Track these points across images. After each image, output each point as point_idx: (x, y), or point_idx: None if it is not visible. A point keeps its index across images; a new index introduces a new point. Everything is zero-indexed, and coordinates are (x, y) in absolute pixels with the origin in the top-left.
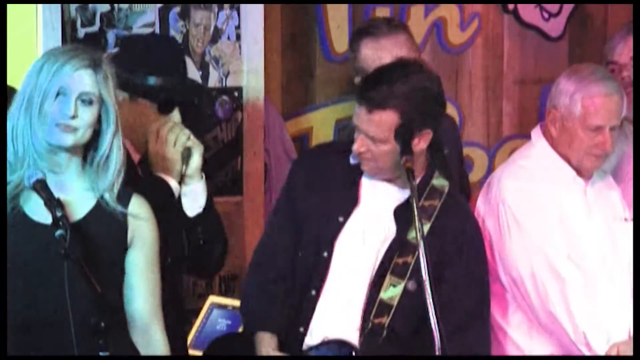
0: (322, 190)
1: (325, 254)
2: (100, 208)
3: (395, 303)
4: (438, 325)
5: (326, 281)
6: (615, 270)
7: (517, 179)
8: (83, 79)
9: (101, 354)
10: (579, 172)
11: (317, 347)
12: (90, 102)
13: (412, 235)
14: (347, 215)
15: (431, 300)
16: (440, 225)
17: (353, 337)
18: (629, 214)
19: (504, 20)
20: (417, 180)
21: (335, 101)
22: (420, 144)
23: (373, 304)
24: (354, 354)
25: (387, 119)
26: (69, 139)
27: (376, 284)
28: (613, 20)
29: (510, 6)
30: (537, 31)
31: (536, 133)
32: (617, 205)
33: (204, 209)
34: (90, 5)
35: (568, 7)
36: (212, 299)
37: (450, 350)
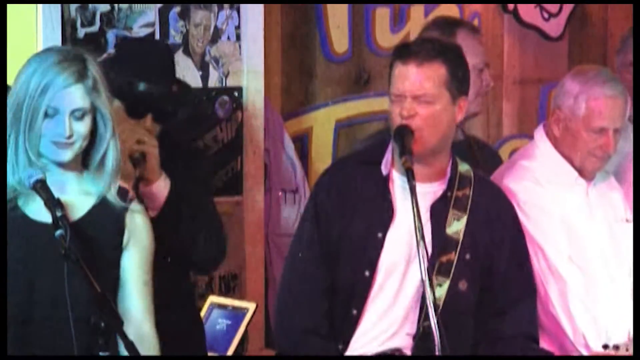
0: (356, 206)
1: (367, 273)
2: (98, 208)
3: (441, 303)
4: (438, 325)
5: (369, 299)
6: (617, 271)
7: (520, 179)
8: (73, 96)
9: (101, 354)
10: (581, 172)
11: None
12: (83, 115)
13: (451, 229)
14: (385, 231)
15: (431, 299)
16: (479, 215)
17: (406, 345)
18: (630, 214)
19: (504, 20)
20: (448, 171)
21: (335, 101)
22: (461, 112)
23: (422, 308)
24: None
25: (437, 71)
26: (67, 155)
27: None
28: (613, 20)
29: (510, 6)
30: (537, 31)
31: (539, 133)
32: (618, 206)
33: (167, 209)
34: (90, 5)
35: (568, 7)
36: (212, 299)
37: (503, 327)
